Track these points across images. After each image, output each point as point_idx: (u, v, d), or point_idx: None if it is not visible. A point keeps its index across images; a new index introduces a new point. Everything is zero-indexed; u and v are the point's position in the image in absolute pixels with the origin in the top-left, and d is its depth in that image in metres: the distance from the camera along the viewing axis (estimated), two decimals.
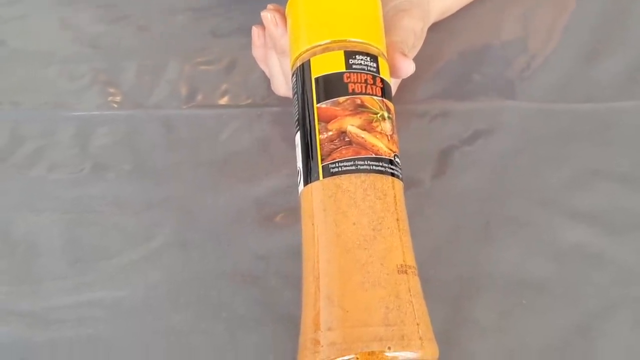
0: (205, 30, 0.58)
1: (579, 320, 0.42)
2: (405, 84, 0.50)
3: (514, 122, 0.50)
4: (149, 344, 0.42)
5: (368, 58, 0.40)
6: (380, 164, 0.38)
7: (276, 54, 0.46)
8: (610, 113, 0.50)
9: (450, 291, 0.43)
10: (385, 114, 0.39)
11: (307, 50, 0.40)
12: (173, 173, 0.49)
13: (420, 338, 0.35)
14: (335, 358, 0.34)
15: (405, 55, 0.43)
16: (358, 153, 0.37)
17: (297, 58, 0.41)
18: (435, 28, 0.53)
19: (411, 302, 0.35)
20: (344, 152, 0.37)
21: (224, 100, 0.53)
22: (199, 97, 0.53)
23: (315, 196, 0.38)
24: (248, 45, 0.50)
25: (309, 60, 0.40)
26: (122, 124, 0.52)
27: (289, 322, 0.40)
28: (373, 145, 0.38)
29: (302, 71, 0.40)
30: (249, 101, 0.53)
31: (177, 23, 0.59)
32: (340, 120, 0.38)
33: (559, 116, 0.51)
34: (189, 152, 0.50)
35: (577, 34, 0.55)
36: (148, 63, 0.56)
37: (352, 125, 0.38)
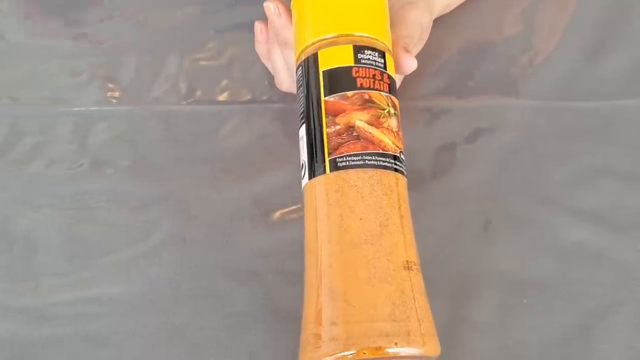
0: (206, 26, 0.57)
1: (580, 319, 0.41)
2: (407, 80, 0.50)
3: (516, 119, 0.50)
4: (148, 341, 0.42)
5: (376, 53, 0.40)
6: (387, 159, 0.38)
7: (278, 46, 0.46)
8: (613, 111, 0.50)
9: (451, 289, 0.43)
10: (392, 110, 0.39)
11: (313, 44, 0.40)
12: (172, 169, 0.49)
13: (423, 335, 0.35)
14: (339, 352, 0.34)
15: (408, 51, 0.43)
16: (366, 148, 0.37)
17: (302, 51, 0.41)
18: (437, 24, 0.53)
19: (415, 298, 0.35)
20: (352, 146, 0.37)
21: (224, 96, 0.53)
22: (199, 93, 0.53)
23: (320, 190, 0.38)
24: (249, 40, 0.49)
25: (316, 53, 0.40)
26: (122, 120, 0.52)
27: (288, 318, 0.40)
28: (380, 141, 0.38)
29: (307, 64, 0.40)
30: (249, 97, 0.53)
31: (177, 18, 0.58)
32: (348, 114, 0.38)
33: (562, 114, 0.50)
34: (189, 148, 0.50)
35: (580, 31, 0.55)
36: (147, 59, 0.55)
37: (360, 120, 0.38)
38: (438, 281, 0.42)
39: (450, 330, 0.41)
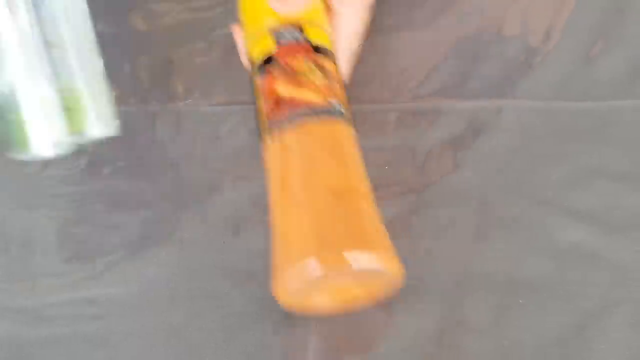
0: (202, 26, 0.57)
1: (577, 320, 0.42)
2: (401, 81, 0.50)
3: (512, 120, 0.50)
4: (146, 341, 0.42)
5: (291, 28, 0.43)
6: (314, 111, 0.41)
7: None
8: (609, 112, 0.50)
9: (446, 290, 0.43)
10: (313, 66, 0.42)
11: (252, 52, 0.45)
12: (169, 170, 0.49)
13: (385, 249, 0.37)
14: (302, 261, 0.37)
15: None
16: (293, 109, 0.41)
17: (250, 61, 0.46)
18: (433, 25, 0.53)
19: (363, 218, 0.38)
20: (280, 112, 0.41)
21: (221, 97, 0.53)
22: (196, 94, 0.53)
23: (266, 155, 0.42)
24: None
25: (253, 57, 0.45)
26: (118, 120, 0.52)
27: (285, 319, 0.40)
28: (302, 99, 0.41)
29: (253, 67, 0.45)
30: (247, 97, 0.53)
31: (174, 18, 0.58)
32: (274, 87, 0.42)
33: (558, 114, 0.50)
34: (186, 148, 0.50)
35: (576, 31, 0.55)
36: (144, 59, 0.55)
37: (282, 87, 0.42)
38: (434, 282, 0.43)
39: (445, 331, 0.41)
